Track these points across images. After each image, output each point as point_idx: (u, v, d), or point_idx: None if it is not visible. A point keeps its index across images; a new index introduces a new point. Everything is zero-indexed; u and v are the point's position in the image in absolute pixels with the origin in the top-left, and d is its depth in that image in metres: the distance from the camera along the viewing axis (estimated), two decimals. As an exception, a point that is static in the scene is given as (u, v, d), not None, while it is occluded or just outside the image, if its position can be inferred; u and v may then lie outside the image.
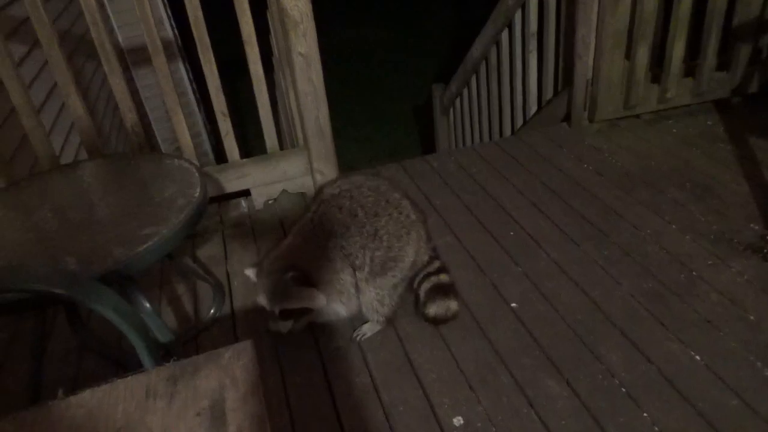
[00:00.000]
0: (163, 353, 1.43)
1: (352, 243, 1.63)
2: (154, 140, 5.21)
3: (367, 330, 1.77)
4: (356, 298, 1.69)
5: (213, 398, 0.96)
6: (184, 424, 0.92)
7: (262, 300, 1.63)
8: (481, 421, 1.51)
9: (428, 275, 1.79)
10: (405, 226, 1.71)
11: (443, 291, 1.78)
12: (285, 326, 1.64)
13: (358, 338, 1.76)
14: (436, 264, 1.82)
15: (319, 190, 1.78)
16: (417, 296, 1.81)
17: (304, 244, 1.66)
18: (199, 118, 5.67)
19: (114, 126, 4.39)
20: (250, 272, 1.67)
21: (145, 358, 1.07)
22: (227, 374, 1.00)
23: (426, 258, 1.80)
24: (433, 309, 1.77)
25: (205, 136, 5.80)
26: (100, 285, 1.02)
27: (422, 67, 7.44)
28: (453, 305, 1.79)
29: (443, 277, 1.80)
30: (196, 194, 1.43)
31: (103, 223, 1.41)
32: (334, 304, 1.68)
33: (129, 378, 1.02)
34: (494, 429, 1.49)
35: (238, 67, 2.36)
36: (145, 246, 1.27)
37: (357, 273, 1.65)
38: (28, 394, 1.66)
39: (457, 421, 1.52)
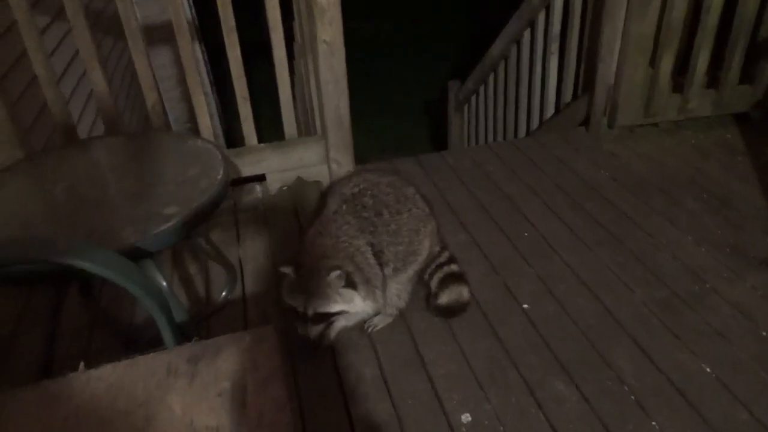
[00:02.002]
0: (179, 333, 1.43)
1: (381, 241, 1.64)
2: (167, 120, 5.21)
3: (379, 322, 1.77)
4: (382, 296, 1.67)
5: (234, 380, 0.96)
6: (205, 403, 0.92)
7: (296, 300, 1.55)
8: (489, 419, 1.51)
9: (440, 266, 1.83)
10: (422, 220, 1.75)
11: (455, 278, 1.82)
12: (316, 330, 1.56)
13: (369, 330, 1.76)
14: (446, 254, 1.86)
15: (333, 187, 1.76)
16: (429, 287, 1.83)
17: (337, 243, 1.61)
18: (212, 100, 5.66)
19: (128, 105, 4.39)
20: (288, 270, 1.56)
21: (167, 336, 1.07)
22: (249, 358, 1.00)
23: (437, 249, 1.85)
24: (446, 297, 1.80)
25: (217, 119, 5.79)
26: (128, 261, 1.02)
27: (435, 62, 7.41)
28: (465, 292, 1.82)
29: (454, 267, 1.84)
30: (219, 176, 1.42)
31: (126, 201, 1.41)
32: (366, 305, 1.63)
33: (150, 355, 1.03)
34: (502, 428, 1.49)
35: (252, 51, 2.34)
36: (167, 225, 1.27)
37: (384, 270, 1.65)
38: (39, 366, 1.66)
39: (465, 417, 1.52)
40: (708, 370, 1.61)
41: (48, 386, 0.96)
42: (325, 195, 1.77)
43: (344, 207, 1.66)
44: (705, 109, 2.81)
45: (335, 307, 1.54)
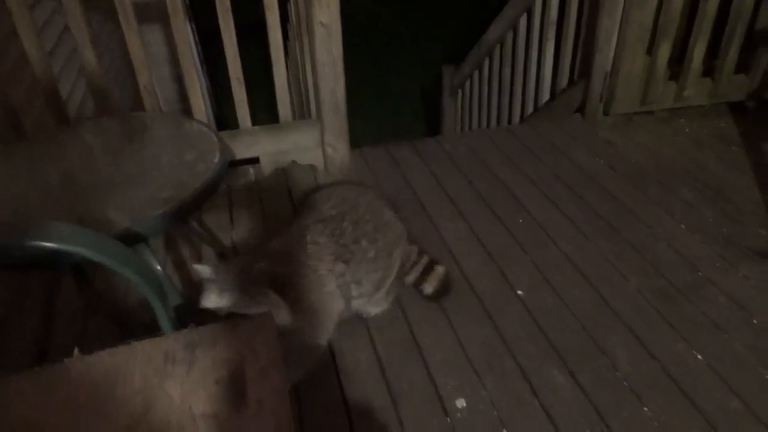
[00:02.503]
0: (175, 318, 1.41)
1: (360, 269, 1.58)
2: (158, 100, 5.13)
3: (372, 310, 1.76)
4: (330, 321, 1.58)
5: (232, 369, 0.95)
6: (204, 391, 0.91)
7: (212, 297, 1.34)
8: (484, 405, 1.52)
9: (414, 263, 1.83)
10: (396, 242, 1.71)
11: (427, 268, 1.83)
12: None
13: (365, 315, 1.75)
14: (425, 259, 1.86)
15: (310, 199, 1.69)
16: (414, 287, 1.85)
17: (293, 258, 1.49)
18: (203, 82, 5.58)
19: (117, 84, 4.31)
20: (203, 268, 1.36)
21: (164, 322, 1.06)
22: (247, 345, 0.99)
23: (415, 257, 1.84)
24: (430, 286, 1.82)
25: (208, 101, 5.72)
26: (123, 246, 1.00)
27: (430, 46, 7.35)
28: (440, 269, 1.84)
29: (425, 259, 1.85)
30: (216, 160, 1.40)
31: (121, 184, 1.38)
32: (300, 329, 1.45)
33: (146, 342, 1.01)
34: (497, 413, 1.50)
35: (242, 32, 2.28)
36: (164, 210, 1.25)
37: (354, 295, 1.60)
38: (34, 351, 1.64)
39: (460, 403, 1.52)
40: (701, 359, 1.62)
41: (43, 373, 0.94)
42: (303, 204, 1.70)
43: (318, 226, 1.55)
44: (700, 98, 2.81)
45: (253, 310, 1.32)
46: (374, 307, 1.75)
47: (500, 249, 2.06)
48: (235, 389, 0.91)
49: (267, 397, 0.90)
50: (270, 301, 1.32)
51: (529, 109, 3.39)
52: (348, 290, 1.58)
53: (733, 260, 1.96)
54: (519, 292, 1.87)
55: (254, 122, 2.44)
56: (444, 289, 1.84)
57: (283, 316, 1.35)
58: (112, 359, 0.97)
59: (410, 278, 1.83)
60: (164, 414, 0.88)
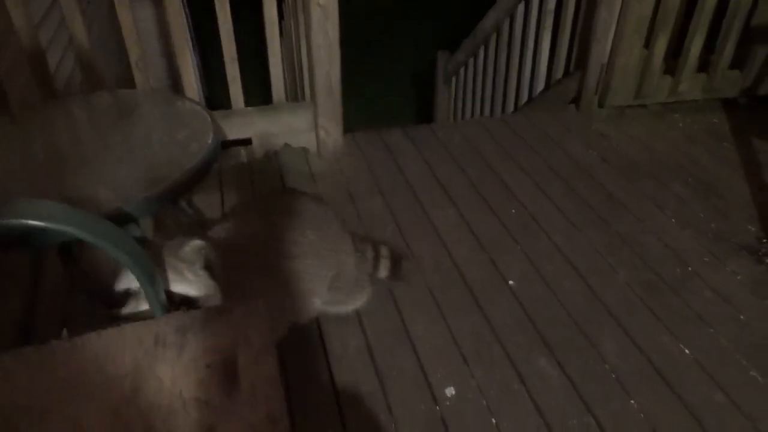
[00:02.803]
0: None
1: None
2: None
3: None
4: None
5: (224, 354, 0.94)
6: (195, 375, 0.90)
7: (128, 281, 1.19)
8: (473, 393, 1.53)
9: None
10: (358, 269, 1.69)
11: (374, 253, 1.81)
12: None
13: None
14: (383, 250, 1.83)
15: (274, 206, 1.57)
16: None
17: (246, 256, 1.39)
18: (194, 60, 5.48)
19: (106, 59, 4.22)
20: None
21: (154, 305, 1.04)
22: (240, 331, 0.98)
23: (372, 254, 1.80)
24: (383, 269, 1.80)
25: (198, 80, 5.63)
26: (114, 226, 0.98)
27: (425, 32, 7.28)
28: (384, 251, 1.82)
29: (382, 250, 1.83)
30: (210, 140, 1.37)
31: (111, 162, 1.35)
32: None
33: (137, 324, 1.00)
34: (485, 402, 1.50)
35: (236, 10, 2.22)
36: (155, 190, 1.22)
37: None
38: (17, 331, 1.62)
39: (449, 391, 1.53)
40: (687, 352, 1.64)
41: (31, 354, 0.92)
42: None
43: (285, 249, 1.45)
44: (695, 93, 2.82)
45: (178, 287, 1.21)
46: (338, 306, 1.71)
47: (491, 238, 2.06)
48: (227, 374, 0.90)
49: (260, 383, 0.89)
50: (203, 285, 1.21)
51: (524, 98, 3.38)
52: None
53: (722, 255, 1.98)
54: (510, 282, 1.87)
55: (248, 104, 2.40)
56: (399, 269, 1.81)
57: (213, 299, 1.23)
58: (101, 341, 0.95)
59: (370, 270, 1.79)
60: (154, 397, 0.87)
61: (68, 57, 2.96)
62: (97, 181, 1.27)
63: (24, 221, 0.88)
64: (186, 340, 0.96)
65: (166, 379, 0.89)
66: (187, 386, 0.88)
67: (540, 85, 3.22)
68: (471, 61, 3.97)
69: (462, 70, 4.18)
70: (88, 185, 1.26)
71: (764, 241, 2.03)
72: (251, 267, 1.37)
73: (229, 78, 2.28)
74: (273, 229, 1.47)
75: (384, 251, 1.83)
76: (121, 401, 0.86)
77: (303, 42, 2.38)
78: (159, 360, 0.92)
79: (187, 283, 1.21)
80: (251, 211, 1.56)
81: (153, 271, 1.09)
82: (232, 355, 0.93)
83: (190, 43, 5.45)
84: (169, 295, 1.18)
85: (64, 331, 0.97)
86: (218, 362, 0.92)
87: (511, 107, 3.51)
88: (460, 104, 4.33)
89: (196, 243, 1.22)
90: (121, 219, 1.21)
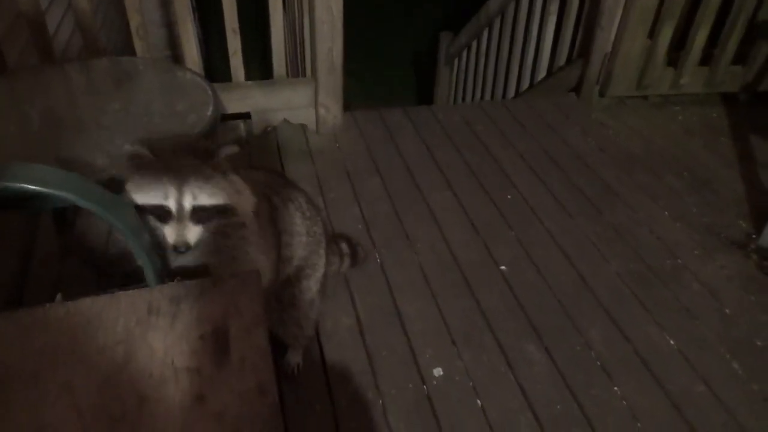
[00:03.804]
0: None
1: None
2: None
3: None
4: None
5: (217, 324, 0.95)
6: (187, 345, 0.91)
7: (157, 190, 1.04)
8: (460, 375, 1.55)
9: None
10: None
11: (338, 250, 1.74)
12: (195, 234, 1.08)
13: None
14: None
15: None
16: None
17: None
18: (195, 30, 5.41)
19: (105, 26, 4.16)
20: (140, 149, 1.04)
21: (149, 274, 1.05)
22: (232, 302, 0.99)
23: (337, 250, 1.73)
24: (334, 265, 1.70)
25: (199, 51, 5.55)
26: (113, 195, 0.98)
27: (429, 11, 7.21)
28: (344, 247, 1.76)
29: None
30: (209, 112, 1.37)
31: (109, 130, 1.34)
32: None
33: (131, 292, 1.00)
34: (471, 383, 1.53)
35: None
36: (152, 159, 1.22)
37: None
38: (10, 291, 1.62)
39: (437, 371, 1.55)
40: (672, 343, 1.67)
41: (23, 316, 0.93)
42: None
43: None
44: (696, 86, 2.81)
45: (221, 198, 1.07)
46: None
47: (486, 223, 2.07)
48: (219, 345, 0.91)
49: (250, 354, 0.90)
50: (235, 188, 1.10)
51: (525, 84, 3.36)
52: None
53: (712, 249, 2.00)
54: (502, 267, 1.89)
55: (247, 78, 2.38)
56: (354, 258, 1.77)
57: (250, 204, 1.13)
58: (94, 307, 0.96)
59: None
60: (145, 365, 0.87)
61: (68, 20, 2.92)
62: (93, 148, 1.27)
63: (19, 185, 0.88)
64: (179, 310, 0.97)
65: (158, 348, 0.90)
66: (179, 355, 0.89)
67: (542, 72, 3.20)
68: (474, 43, 3.94)
69: (464, 53, 4.15)
70: (84, 151, 1.26)
71: (754, 237, 2.05)
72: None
73: (230, 50, 2.25)
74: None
75: (344, 248, 1.76)
76: (113, 368, 0.87)
77: (306, 17, 2.35)
78: (152, 329, 0.93)
79: (227, 194, 1.08)
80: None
81: (149, 241, 1.09)
82: (224, 325, 0.94)
83: (191, 13, 5.38)
84: (212, 210, 1.07)
85: (59, 296, 0.97)
86: (210, 333, 0.93)
87: (512, 92, 3.49)
88: (461, 87, 4.31)
89: (230, 149, 1.07)
90: (116, 188, 1.21)
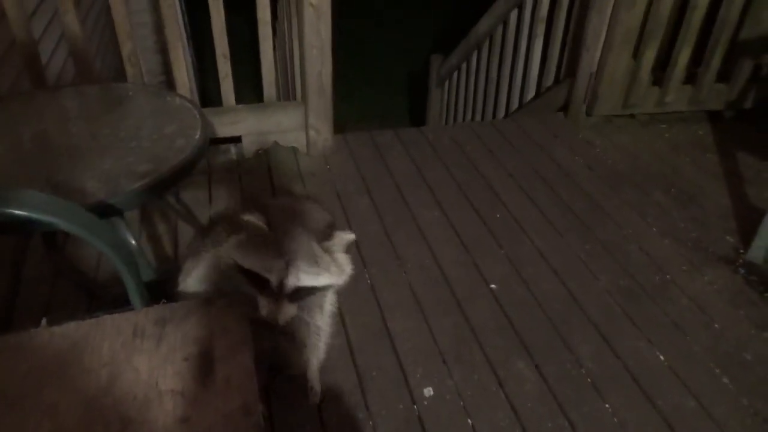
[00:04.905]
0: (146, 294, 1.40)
1: None
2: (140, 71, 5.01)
3: None
4: None
5: (202, 345, 0.95)
6: (171, 367, 0.91)
7: (266, 264, 1.05)
8: (451, 394, 1.55)
9: None
10: None
11: None
12: (289, 312, 1.08)
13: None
14: None
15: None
16: None
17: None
18: (188, 56, 5.47)
19: (99, 53, 4.20)
20: (255, 218, 1.06)
21: (134, 297, 1.05)
22: (218, 323, 0.99)
23: None
24: None
25: (192, 76, 5.61)
26: (96, 218, 0.99)
27: (420, 34, 7.31)
28: None
29: None
30: (197, 136, 1.39)
31: (98, 154, 1.36)
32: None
33: (116, 316, 1.01)
34: (462, 403, 1.53)
35: (229, 7, 2.22)
36: (140, 184, 1.24)
37: None
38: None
39: (428, 391, 1.55)
40: (662, 358, 1.67)
41: (9, 340, 0.93)
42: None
43: None
44: (681, 104, 2.86)
45: (325, 280, 1.09)
46: None
47: (475, 241, 2.09)
48: (203, 366, 0.91)
49: (235, 374, 0.90)
50: (339, 265, 1.10)
51: (514, 105, 3.41)
52: None
53: (700, 265, 2.02)
54: (491, 285, 1.90)
55: (239, 99, 2.41)
56: None
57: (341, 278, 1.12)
58: (79, 331, 0.96)
59: None
60: (130, 388, 0.88)
61: (61, 48, 2.96)
62: (82, 172, 1.28)
63: (5, 210, 0.89)
64: (165, 332, 0.97)
65: (143, 371, 0.91)
66: (163, 377, 0.89)
67: (531, 92, 3.25)
68: (464, 65, 4.00)
69: (455, 74, 4.21)
70: (73, 176, 1.27)
71: (741, 251, 2.06)
72: None
73: (221, 75, 2.29)
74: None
75: None
76: (97, 390, 0.87)
77: (296, 42, 2.40)
78: (137, 351, 0.94)
79: (330, 277, 1.09)
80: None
81: (136, 265, 1.10)
82: (209, 346, 0.94)
83: (185, 38, 5.45)
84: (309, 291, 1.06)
85: (44, 320, 0.98)
86: (195, 354, 0.93)
87: (502, 113, 3.54)
88: (452, 108, 4.36)
89: (347, 236, 1.09)
90: (105, 211, 1.22)
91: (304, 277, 1.05)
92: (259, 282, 1.06)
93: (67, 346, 0.94)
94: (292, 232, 1.06)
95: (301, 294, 1.08)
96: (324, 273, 1.07)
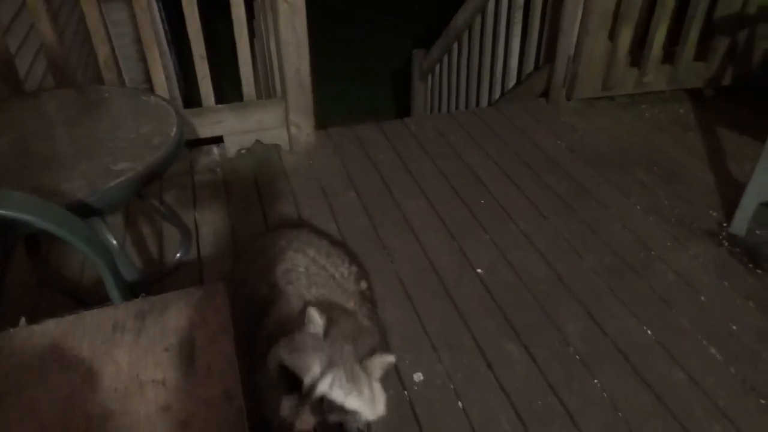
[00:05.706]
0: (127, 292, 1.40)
1: None
2: (121, 79, 4.99)
3: None
4: None
5: (182, 336, 0.95)
6: (152, 358, 0.91)
7: (303, 360, 1.02)
8: (441, 378, 1.55)
9: None
10: None
11: None
12: (305, 424, 1.00)
13: None
14: None
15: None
16: None
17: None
18: (169, 60, 5.46)
19: (80, 62, 4.19)
20: (318, 315, 1.07)
21: (114, 295, 1.05)
22: (198, 314, 0.99)
23: None
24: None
25: (175, 80, 5.60)
26: (73, 216, 0.99)
27: (403, 29, 7.33)
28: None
29: None
30: (173, 134, 1.39)
31: (75, 155, 1.36)
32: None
33: (96, 311, 1.00)
34: (452, 386, 1.53)
35: (218, 9, 2.25)
36: (117, 181, 1.24)
37: None
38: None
39: (417, 377, 1.56)
40: (650, 333, 1.68)
41: (-13, 340, 0.93)
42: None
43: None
44: (660, 84, 2.88)
45: (354, 403, 1.01)
46: None
47: (461, 227, 2.09)
48: (184, 355, 0.91)
49: (216, 361, 0.90)
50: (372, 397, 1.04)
51: (497, 93, 3.42)
52: None
53: (685, 240, 2.03)
54: (478, 269, 1.91)
55: (228, 99, 2.41)
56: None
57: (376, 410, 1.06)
58: (59, 328, 0.96)
59: None
60: (111, 381, 0.88)
61: (41, 60, 2.94)
62: (60, 173, 1.28)
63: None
64: (144, 325, 0.97)
65: (124, 363, 0.91)
66: (144, 369, 0.89)
67: (512, 80, 3.27)
68: (445, 58, 4.01)
69: (437, 67, 4.22)
70: (51, 177, 1.27)
71: (725, 225, 2.08)
72: None
73: (199, 76, 2.28)
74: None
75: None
76: (78, 385, 0.87)
77: (272, 39, 2.39)
78: (117, 345, 0.94)
79: (361, 401, 1.02)
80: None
81: (114, 261, 1.10)
82: (190, 336, 0.94)
83: (164, 43, 5.43)
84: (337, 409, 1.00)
85: (22, 320, 0.98)
86: (175, 344, 0.93)
87: (485, 102, 3.55)
88: (436, 100, 4.37)
89: (387, 359, 1.05)
90: (85, 211, 1.22)
91: (336, 390, 1.00)
92: (291, 382, 1.03)
93: (47, 344, 0.93)
94: (342, 348, 1.04)
95: (326, 408, 1.02)
96: (356, 394, 1.02)
